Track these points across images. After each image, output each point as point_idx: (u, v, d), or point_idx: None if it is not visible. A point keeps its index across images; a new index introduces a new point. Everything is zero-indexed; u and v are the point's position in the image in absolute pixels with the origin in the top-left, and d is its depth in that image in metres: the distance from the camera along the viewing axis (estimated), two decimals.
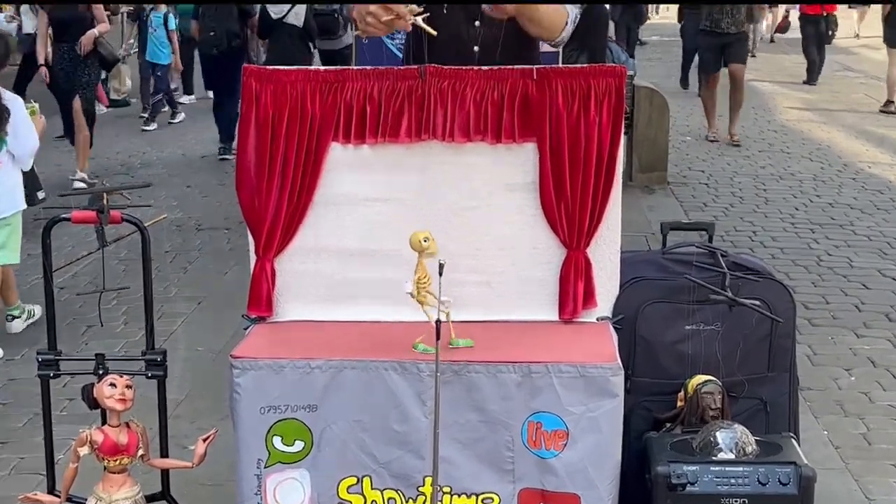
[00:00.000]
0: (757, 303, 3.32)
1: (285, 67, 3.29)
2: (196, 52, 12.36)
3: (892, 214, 8.60)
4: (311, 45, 10.35)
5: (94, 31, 9.47)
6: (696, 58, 12.52)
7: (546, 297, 3.34)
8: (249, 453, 3.06)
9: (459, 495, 3.03)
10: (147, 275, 3.36)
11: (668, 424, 3.28)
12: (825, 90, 15.60)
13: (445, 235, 3.10)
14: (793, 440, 3.20)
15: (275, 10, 10.09)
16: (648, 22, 19.67)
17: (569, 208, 3.26)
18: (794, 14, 20.78)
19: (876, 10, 18.52)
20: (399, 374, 3.01)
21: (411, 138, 3.26)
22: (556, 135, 3.23)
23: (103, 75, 11.92)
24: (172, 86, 13.65)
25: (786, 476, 2.97)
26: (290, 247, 3.34)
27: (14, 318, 6.03)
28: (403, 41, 3.93)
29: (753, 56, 11.99)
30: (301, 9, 10.05)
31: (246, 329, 3.34)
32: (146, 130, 12.48)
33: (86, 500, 3.23)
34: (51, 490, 3.38)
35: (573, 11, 3.49)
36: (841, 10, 18.14)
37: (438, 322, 2.82)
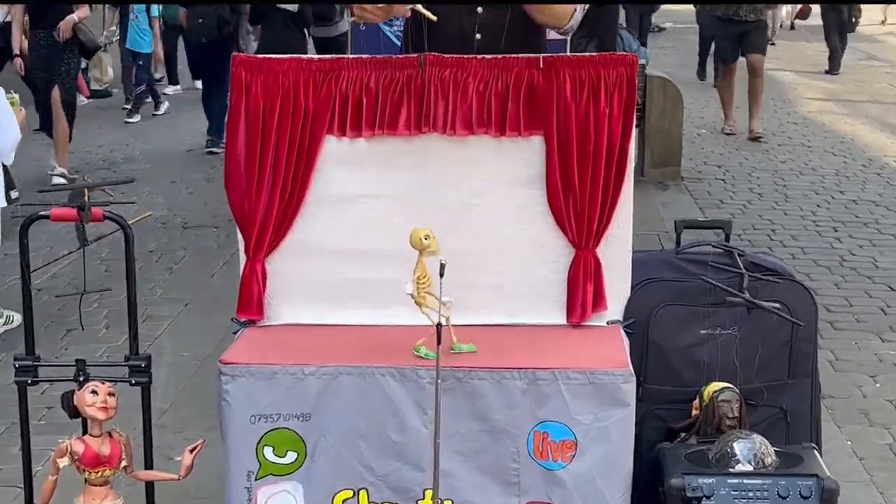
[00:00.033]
0: (776, 305, 3.32)
1: (277, 56, 3.30)
2: (180, 40, 12.34)
3: None
4: (305, 31, 10.34)
5: (74, 17, 9.44)
6: (713, 47, 12.51)
7: (553, 299, 3.34)
8: (239, 465, 3.06)
9: None
10: (130, 276, 3.36)
11: (683, 434, 3.28)
12: (848, 80, 15.60)
13: (446, 234, 3.09)
14: (815, 451, 3.20)
15: None
16: (662, 8, 19.64)
17: (577, 205, 3.26)
18: None
19: None
20: (397, 380, 3.01)
21: (410, 131, 3.26)
22: (564, 127, 3.23)
23: (83, 64, 11.92)
24: (157, 75, 13.65)
25: (807, 489, 2.97)
26: (281, 246, 3.34)
27: None
28: (402, 28, 3.93)
29: (773, 44, 11.98)
30: None
31: (235, 333, 3.34)
32: (129, 123, 12.47)
33: None
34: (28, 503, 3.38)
35: None
36: None
37: (439, 326, 2.82)
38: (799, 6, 22.78)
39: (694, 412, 3.29)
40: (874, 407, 5.14)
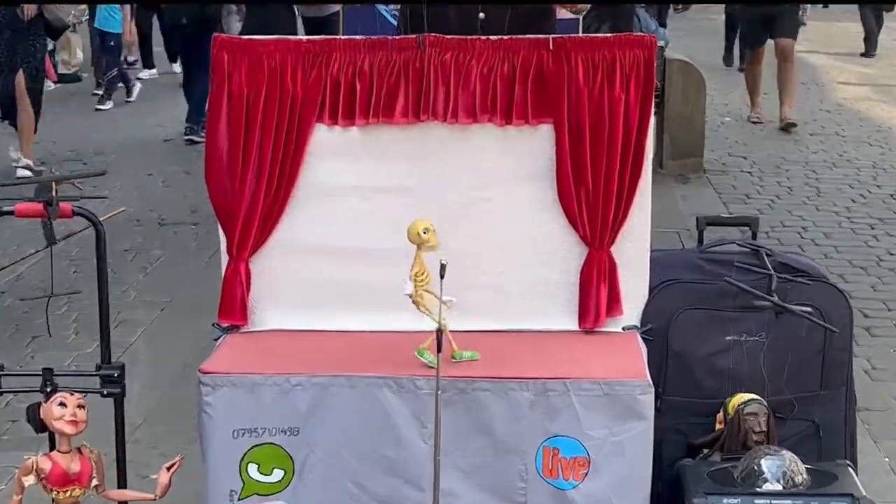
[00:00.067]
0: (808, 310, 3.32)
1: (262, 38, 3.30)
2: (155, 20, 12.31)
3: None
4: (293, 10, 10.33)
5: None
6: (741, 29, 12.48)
7: (564, 303, 3.34)
8: (220, 483, 3.06)
9: None
10: (102, 277, 3.36)
11: (706, 450, 3.28)
12: (885, 63, 15.58)
13: (447, 231, 3.09)
14: (849, 468, 3.20)
15: None
16: None
17: (590, 200, 3.26)
18: None
19: None
20: (394, 391, 3.01)
21: (408, 119, 3.26)
22: (576, 115, 3.23)
23: (50, 45, 11.91)
24: (130, 58, 13.64)
25: None
26: (267, 245, 3.34)
27: None
28: (399, 7, 3.93)
29: (804, 24, 11.97)
30: None
31: (217, 340, 3.34)
32: (101, 110, 12.46)
33: None
34: None
35: None
36: None
37: (439, 332, 2.82)
38: None
39: (718, 426, 3.29)
40: None
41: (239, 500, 3.06)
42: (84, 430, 3.16)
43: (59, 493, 3.16)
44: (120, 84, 12.95)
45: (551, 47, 3.21)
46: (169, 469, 3.22)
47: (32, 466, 3.14)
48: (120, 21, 12.77)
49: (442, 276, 2.82)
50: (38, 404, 3.20)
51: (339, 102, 3.26)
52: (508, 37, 3.25)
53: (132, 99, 12.96)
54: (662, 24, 11.19)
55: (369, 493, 3.04)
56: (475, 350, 3.12)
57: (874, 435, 4.93)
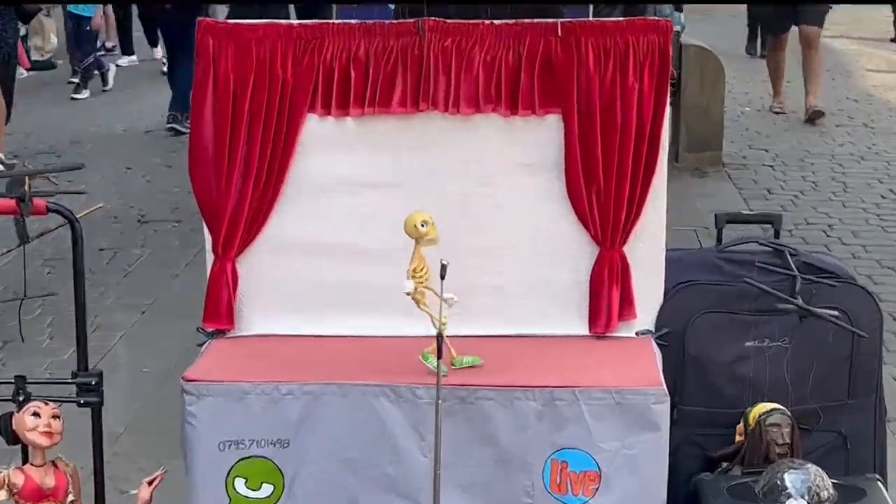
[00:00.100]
0: (834, 313, 3.32)
1: (250, 21, 3.30)
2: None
3: None
4: None
5: None
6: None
7: (573, 306, 3.34)
8: (205, 499, 3.06)
9: None
10: (78, 278, 3.36)
11: (725, 464, 3.28)
12: None
13: (448, 229, 3.10)
14: (879, 483, 3.20)
15: None
16: None
17: (601, 196, 3.26)
18: None
19: None
20: (391, 401, 3.01)
21: (406, 109, 3.26)
22: (586, 105, 3.23)
23: (22, 31, 11.91)
24: (109, 44, 13.65)
25: None
26: (255, 243, 3.34)
27: None
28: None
29: (830, 8, 11.94)
30: None
31: (201, 345, 3.34)
32: (77, 99, 12.48)
33: None
34: None
35: None
36: None
37: (440, 337, 2.82)
38: None
39: (738, 438, 3.29)
40: None
41: None
42: (59, 441, 3.16)
43: None
44: (96, 71, 12.95)
45: (560, 33, 3.22)
46: (150, 484, 3.22)
47: (4, 481, 3.14)
48: (92, 5, 12.75)
49: (443, 277, 2.82)
50: (10, 414, 3.20)
51: (333, 91, 3.26)
52: (514, 21, 3.25)
53: (109, 87, 12.95)
54: (678, 8, 11.17)
55: None
56: (478, 355, 3.11)
57: None
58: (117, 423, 4.89)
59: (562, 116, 3.26)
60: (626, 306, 3.31)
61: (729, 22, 16.39)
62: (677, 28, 8.78)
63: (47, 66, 13.95)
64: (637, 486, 2.99)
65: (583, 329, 3.33)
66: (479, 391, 3.00)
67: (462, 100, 3.24)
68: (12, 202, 3.28)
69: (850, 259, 7.14)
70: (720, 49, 11.08)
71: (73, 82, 12.91)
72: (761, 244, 3.54)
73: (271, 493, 3.06)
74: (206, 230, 3.35)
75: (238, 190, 3.28)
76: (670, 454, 3.05)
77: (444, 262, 2.81)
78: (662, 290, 3.37)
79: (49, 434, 3.14)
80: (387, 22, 3.32)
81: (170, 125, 10.58)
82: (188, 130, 3.56)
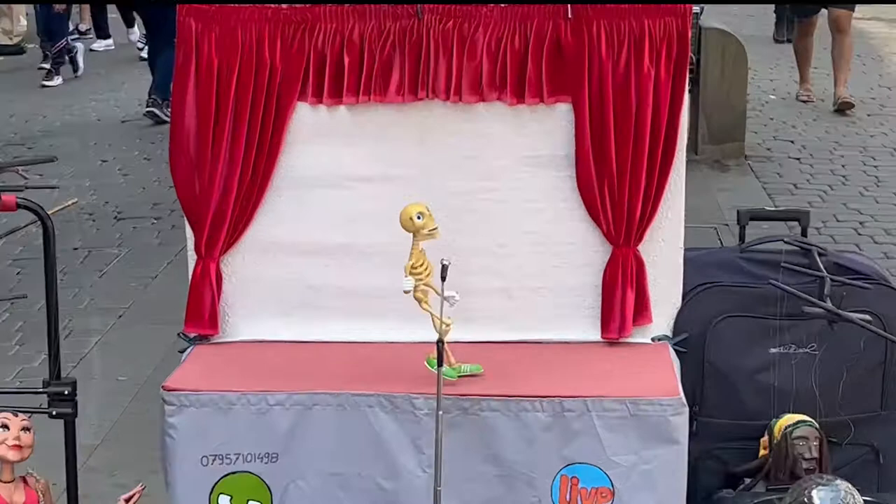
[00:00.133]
0: (867, 317, 3.32)
1: (235, 4, 3.29)
2: None
3: None
4: None
5: None
6: None
7: (584, 309, 3.34)
8: None
9: None
10: (50, 279, 3.36)
11: (748, 480, 3.28)
12: None
13: (451, 227, 3.10)
14: None
15: None
16: None
17: (615, 191, 3.26)
18: None
19: None
20: (387, 411, 3.01)
21: (404, 97, 3.26)
22: (598, 93, 3.23)
23: None
24: (83, 27, 13.63)
25: None
26: (241, 242, 3.34)
27: None
28: None
29: None
30: None
31: (183, 352, 3.35)
32: (48, 86, 12.45)
33: None
34: None
35: None
36: None
37: (440, 343, 2.83)
38: None
39: (762, 452, 3.30)
40: None
41: None
42: (29, 455, 3.17)
43: None
44: (69, 57, 12.93)
45: (570, 15, 3.21)
46: (128, 501, 3.23)
47: None
48: None
49: (443, 278, 2.82)
50: None
51: (325, 78, 3.26)
52: (520, 3, 3.25)
53: (79, 72, 12.92)
54: None
55: None
56: (480, 362, 3.11)
57: None
58: (92, 436, 4.89)
59: (572, 105, 3.26)
60: (641, 310, 3.31)
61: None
62: (696, 9, 8.77)
63: (16, 51, 13.92)
64: (653, 503, 2.98)
65: (594, 334, 3.33)
66: (483, 401, 3.00)
67: (464, 87, 3.24)
68: None
69: (882, 260, 7.13)
70: (743, 32, 11.07)
71: (44, 68, 12.87)
72: (787, 243, 3.54)
73: None
74: (187, 228, 3.35)
75: (223, 184, 3.28)
76: (689, 469, 3.05)
77: (446, 262, 2.81)
78: (680, 293, 3.37)
79: (18, 448, 3.14)
80: (383, 3, 3.32)
81: (149, 109, 10.52)
82: (168, 119, 3.55)
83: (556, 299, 3.35)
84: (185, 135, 3.29)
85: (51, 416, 3.33)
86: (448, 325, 2.88)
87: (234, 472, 3.04)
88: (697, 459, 3.22)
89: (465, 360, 3.10)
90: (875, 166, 9.53)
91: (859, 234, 7.86)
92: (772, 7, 14.36)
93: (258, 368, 3.19)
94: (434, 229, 2.97)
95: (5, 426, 3.15)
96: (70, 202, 8.26)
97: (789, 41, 12.77)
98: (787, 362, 3.35)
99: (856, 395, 3.37)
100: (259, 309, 3.37)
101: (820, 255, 3.47)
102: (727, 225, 7.10)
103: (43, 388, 3.35)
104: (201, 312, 3.32)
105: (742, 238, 3.69)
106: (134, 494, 3.25)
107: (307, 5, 3.30)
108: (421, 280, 2.98)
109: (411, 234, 2.99)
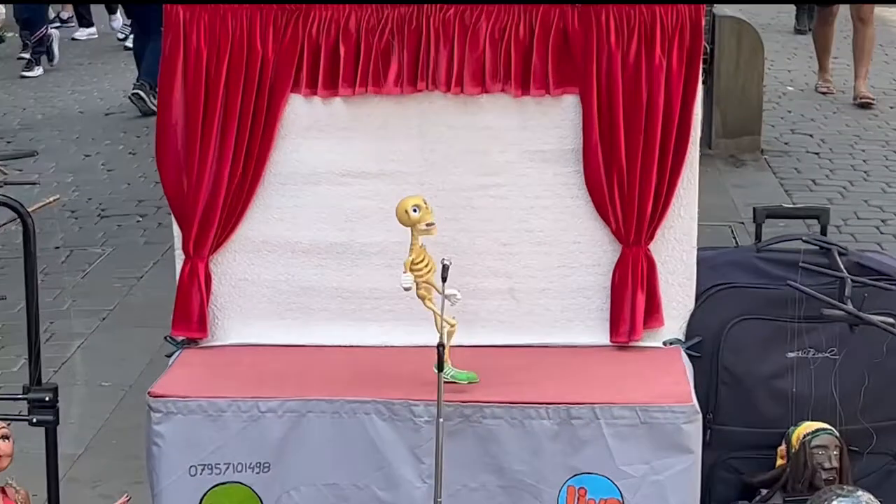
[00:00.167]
0: (889, 320, 3.32)
1: None
2: None
3: None
4: None
5: None
6: None
7: (592, 312, 3.34)
8: None
9: None
10: (30, 280, 3.36)
11: (764, 491, 3.28)
12: None
13: (452, 225, 3.11)
14: None
15: None
16: None
17: (624, 187, 3.27)
18: None
19: None
20: (385, 419, 3.01)
21: (403, 89, 3.26)
22: (607, 85, 3.23)
23: None
24: (64, 14, 13.63)
25: None
26: (231, 241, 3.34)
27: None
28: None
29: None
30: None
31: (170, 356, 3.35)
32: (28, 77, 12.46)
33: None
34: None
35: None
36: None
37: (440, 347, 2.83)
38: None
39: (779, 461, 3.30)
40: None
41: None
42: (9, 465, 3.17)
43: None
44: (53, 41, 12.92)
45: (577, 3, 3.21)
46: None
47: None
48: None
49: (444, 279, 2.82)
50: None
51: (320, 68, 3.26)
52: None
53: (55, 61, 12.89)
54: None
55: None
56: (475, 371, 3.09)
57: None
58: (74, 444, 4.90)
59: (579, 97, 3.26)
60: (652, 312, 3.31)
61: None
62: None
63: None
64: None
65: (603, 338, 3.33)
66: (486, 408, 3.00)
67: (466, 78, 3.24)
68: None
69: None
70: (759, 21, 11.06)
71: (24, 58, 12.89)
72: (806, 242, 3.54)
73: None
74: (175, 226, 3.35)
75: (212, 180, 3.28)
76: (703, 480, 3.05)
77: (446, 262, 2.81)
78: (693, 294, 3.37)
79: None
80: None
81: (134, 91, 10.46)
82: (155, 109, 3.56)
83: (562, 301, 3.35)
84: (173, 128, 3.29)
85: (31, 424, 3.34)
86: (453, 326, 2.88)
87: (223, 483, 3.04)
88: (711, 469, 3.22)
89: (466, 365, 3.09)
90: None
91: (881, 233, 7.86)
92: None
93: (249, 374, 3.19)
94: (431, 224, 2.97)
95: None
96: (51, 199, 8.23)
97: (809, 31, 12.77)
98: (806, 367, 3.34)
99: (878, 401, 3.37)
100: (250, 311, 3.37)
101: (840, 254, 3.47)
102: (742, 223, 7.09)
103: (23, 394, 3.35)
104: (189, 315, 3.32)
105: (758, 237, 3.69)
106: None
107: None
108: (421, 277, 2.97)
109: (409, 229, 2.99)
